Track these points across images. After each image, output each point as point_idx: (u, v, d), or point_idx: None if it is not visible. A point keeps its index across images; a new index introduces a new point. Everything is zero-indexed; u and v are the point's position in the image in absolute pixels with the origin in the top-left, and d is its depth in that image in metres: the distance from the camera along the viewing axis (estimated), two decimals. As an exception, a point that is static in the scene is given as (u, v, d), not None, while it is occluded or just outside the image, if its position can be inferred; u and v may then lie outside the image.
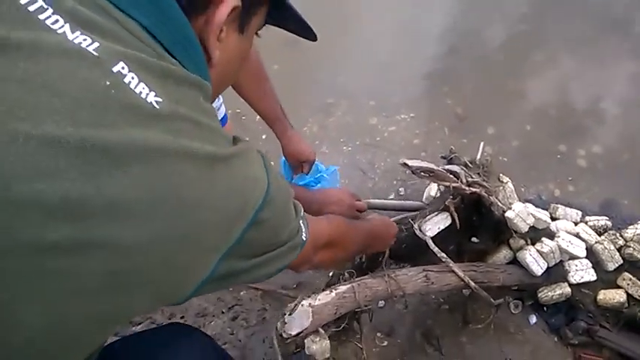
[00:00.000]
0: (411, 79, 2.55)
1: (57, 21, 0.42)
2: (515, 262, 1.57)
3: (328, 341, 1.41)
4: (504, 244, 1.59)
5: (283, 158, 1.63)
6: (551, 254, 1.49)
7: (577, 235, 1.56)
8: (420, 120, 2.34)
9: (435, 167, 1.30)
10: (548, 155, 2.16)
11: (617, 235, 1.58)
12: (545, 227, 1.54)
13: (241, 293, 1.66)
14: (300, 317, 1.30)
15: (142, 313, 0.48)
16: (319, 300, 1.35)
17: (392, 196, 2.01)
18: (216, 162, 0.46)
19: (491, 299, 1.45)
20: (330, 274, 1.60)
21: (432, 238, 1.43)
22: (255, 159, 0.55)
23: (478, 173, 1.52)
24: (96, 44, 0.42)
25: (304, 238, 0.65)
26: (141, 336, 0.68)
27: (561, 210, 1.68)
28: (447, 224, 1.45)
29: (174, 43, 0.50)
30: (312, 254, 0.78)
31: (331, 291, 1.37)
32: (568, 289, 1.54)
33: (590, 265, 1.53)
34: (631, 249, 1.53)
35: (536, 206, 1.62)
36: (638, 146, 2.16)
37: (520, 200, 1.57)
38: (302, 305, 1.31)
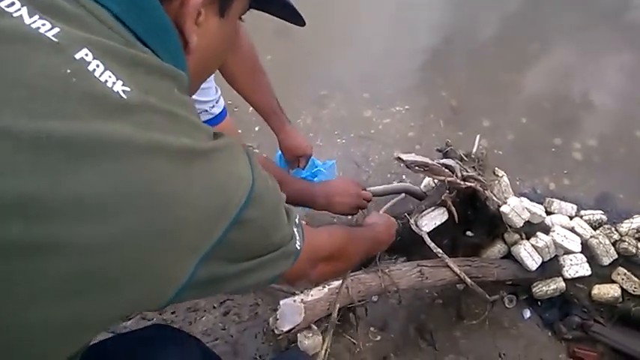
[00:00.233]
0: (406, 71, 2.53)
1: (12, 3, 0.39)
2: (509, 256, 1.57)
3: (321, 337, 1.40)
4: (499, 238, 1.58)
5: (279, 152, 1.61)
6: (546, 249, 1.48)
7: (572, 230, 1.55)
8: (414, 112, 2.32)
9: (430, 161, 1.28)
10: (544, 148, 2.15)
11: (612, 229, 1.57)
12: (540, 222, 1.53)
13: (233, 288, 1.64)
14: (292, 313, 1.29)
15: (117, 319, 0.44)
16: (312, 296, 1.34)
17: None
18: (195, 156, 0.43)
19: (487, 295, 1.44)
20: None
21: (427, 232, 1.42)
22: (239, 155, 0.51)
23: (473, 167, 1.51)
24: (56, 29, 0.39)
25: (298, 247, 0.61)
26: (123, 339, 0.65)
27: (556, 204, 1.66)
28: (443, 220, 1.44)
29: (146, 30, 0.47)
30: (310, 268, 0.73)
31: (324, 287, 1.36)
32: (562, 284, 1.53)
33: (584, 259, 1.52)
34: (626, 243, 1.52)
35: (532, 200, 1.62)
36: (634, 139, 2.16)
37: (515, 194, 1.56)
38: (294, 301, 1.30)
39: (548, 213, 1.64)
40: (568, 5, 2.85)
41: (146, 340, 0.65)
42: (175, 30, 0.50)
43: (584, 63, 2.55)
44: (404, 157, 1.22)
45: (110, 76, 0.39)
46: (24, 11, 0.39)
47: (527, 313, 1.63)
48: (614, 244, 1.55)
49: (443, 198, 1.40)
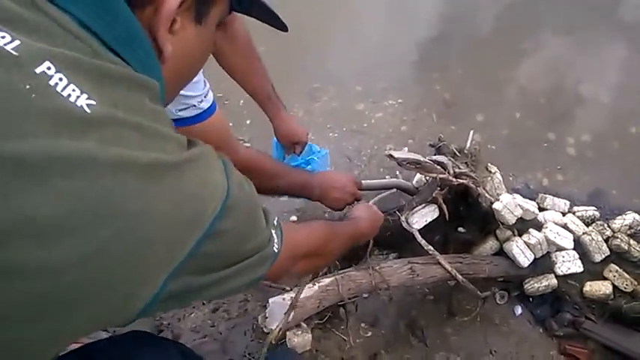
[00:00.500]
0: (399, 65, 2.50)
1: None
2: (501, 252, 1.55)
3: (310, 335, 1.39)
4: (491, 234, 1.57)
5: (275, 139, 1.59)
6: (539, 245, 1.47)
7: (565, 226, 1.54)
8: (407, 106, 2.29)
9: (422, 158, 1.26)
10: (538, 143, 2.13)
11: (605, 225, 1.57)
12: (533, 218, 1.52)
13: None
14: (281, 312, 1.27)
15: (81, 336, 0.43)
16: (302, 293, 1.32)
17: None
18: (165, 170, 0.42)
19: (478, 292, 1.43)
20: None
21: (419, 229, 1.40)
22: (214, 164, 0.50)
23: (466, 163, 1.49)
24: (16, 42, 0.37)
25: (276, 250, 0.61)
26: (98, 346, 0.63)
27: (549, 200, 1.65)
28: (434, 217, 1.42)
29: (115, 38, 0.44)
30: (291, 265, 0.73)
31: (314, 284, 1.34)
32: (554, 281, 1.52)
33: (577, 256, 1.51)
34: (618, 240, 1.51)
35: (524, 196, 1.60)
36: (628, 135, 2.14)
37: (508, 190, 1.55)
38: (283, 299, 1.28)
39: (541, 209, 1.63)
40: (564, 3, 2.83)
41: (122, 347, 0.63)
42: (149, 38, 0.48)
43: (580, 58, 2.53)
44: (395, 154, 1.20)
45: (74, 90, 0.38)
46: None
47: (519, 310, 1.62)
48: (606, 240, 1.54)
49: (434, 195, 1.39)
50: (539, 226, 1.52)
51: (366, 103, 2.30)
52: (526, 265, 1.48)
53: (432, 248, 1.38)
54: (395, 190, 1.62)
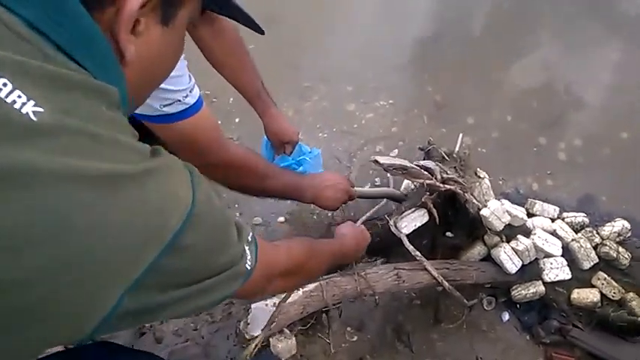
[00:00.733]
0: (391, 65, 2.47)
1: None
2: (489, 258, 1.54)
3: (294, 340, 1.37)
4: (479, 240, 1.55)
5: (265, 137, 1.55)
6: (526, 252, 1.46)
7: (554, 233, 1.53)
8: (398, 107, 2.27)
9: (408, 164, 1.24)
10: (528, 147, 2.11)
11: (594, 232, 1.56)
12: (522, 224, 1.50)
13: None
14: (263, 317, 1.25)
15: (29, 357, 0.41)
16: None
17: (368, 186, 1.94)
18: (122, 181, 0.39)
19: (465, 300, 1.41)
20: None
21: (407, 234, 1.38)
22: (178, 174, 0.47)
23: (455, 167, 1.47)
24: None
25: (249, 267, 0.57)
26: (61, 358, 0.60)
27: (538, 206, 1.64)
28: (424, 221, 1.40)
29: (70, 41, 0.41)
30: (266, 283, 0.70)
31: (298, 289, 1.32)
32: (542, 288, 1.51)
33: (565, 263, 1.50)
34: (607, 247, 1.50)
35: (514, 201, 1.58)
36: (619, 140, 2.13)
37: (498, 194, 1.53)
38: (266, 305, 1.26)
39: (530, 215, 1.61)
40: (558, 2, 2.81)
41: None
42: (108, 40, 0.45)
43: (573, 62, 2.51)
44: (381, 160, 1.18)
45: (19, 96, 0.35)
46: None
47: (506, 316, 1.61)
48: (595, 247, 1.53)
49: (423, 200, 1.37)
50: (527, 233, 1.51)
51: (357, 104, 2.27)
52: (514, 271, 1.46)
53: (419, 254, 1.36)
54: (385, 201, 1.58)
